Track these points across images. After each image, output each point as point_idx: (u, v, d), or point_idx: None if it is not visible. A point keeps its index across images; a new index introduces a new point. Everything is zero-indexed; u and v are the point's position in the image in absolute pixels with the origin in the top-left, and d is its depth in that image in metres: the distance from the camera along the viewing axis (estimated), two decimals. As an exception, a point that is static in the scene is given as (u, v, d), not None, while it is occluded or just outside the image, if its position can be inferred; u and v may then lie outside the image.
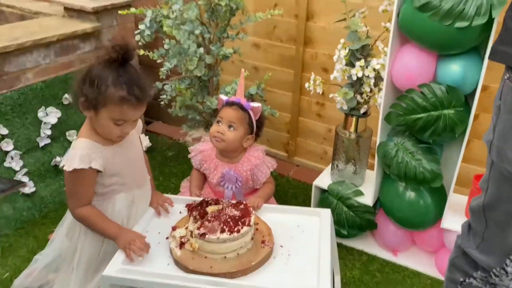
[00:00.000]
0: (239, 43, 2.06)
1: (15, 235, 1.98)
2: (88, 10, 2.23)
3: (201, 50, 1.84)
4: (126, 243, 1.33)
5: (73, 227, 1.45)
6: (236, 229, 1.35)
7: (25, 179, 2.09)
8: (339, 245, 1.84)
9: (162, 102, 2.03)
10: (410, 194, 1.66)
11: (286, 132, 2.53)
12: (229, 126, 1.65)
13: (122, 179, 1.41)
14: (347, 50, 1.58)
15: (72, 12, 2.36)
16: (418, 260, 1.81)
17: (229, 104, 1.69)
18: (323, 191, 1.91)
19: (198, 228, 1.37)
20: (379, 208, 1.85)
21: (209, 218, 1.41)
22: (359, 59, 1.57)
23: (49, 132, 2.15)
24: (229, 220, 1.39)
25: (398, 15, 1.41)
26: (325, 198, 1.85)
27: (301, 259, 1.39)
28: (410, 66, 1.45)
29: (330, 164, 1.98)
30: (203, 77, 1.96)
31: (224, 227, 1.36)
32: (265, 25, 2.31)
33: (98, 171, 1.34)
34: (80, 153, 1.30)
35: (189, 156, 1.82)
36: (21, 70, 2.03)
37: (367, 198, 1.79)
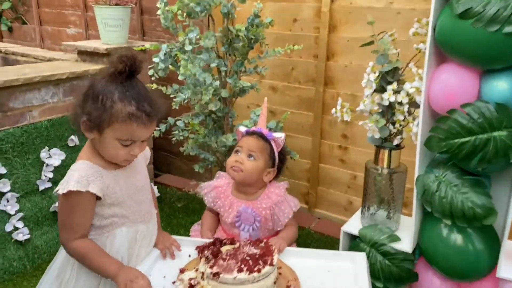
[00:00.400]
0: (256, 80, 1.97)
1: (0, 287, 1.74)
2: (101, 51, 2.18)
3: (217, 83, 1.72)
4: (127, 281, 1.11)
5: (64, 266, 1.24)
6: (256, 268, 1.13)
7: (20, 224, 1.89)
8: (373, 303, 1.57)
9: (174, 139, 1.89)
10: (457, 238, 1.42)
11: (306, 181, 2.34)
12: (249, 156, 1.49)
13: (123, 210, 1.22)
14: (376, 74, 1.45)
15: (86, 56, 2.32)
16: (469, 321, 1.51)
17: (250, 133, 1.54)
18: (352, 238, 1.68)
19: (211, 267, 1.15)
20: (419, 257, 1.60)
21: (223, 257, 1.19)
22: (390, 83, 1.43)
23: (50, 175, 2.00)
24: (247, 258, 1.17)
25: (434, 28, 1.29)
26: (356, 246, 1.61)
27: (336, 308, 1.15)
28: (450, 84, 1.30)
29: (360, 209, 1.77)
30: (217, 113, 1.83)
31: (242, 266, 1.14)
32: (282, 66, 2.23)
33: (97, 199, 1.16)
34: (77, 175, 1.13)
35: (202, 192, 1.63)
36: (27, 107, 1.93)
37: (405, 244, 1.55)
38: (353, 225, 1.69)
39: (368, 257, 1.55)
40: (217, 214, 1.63)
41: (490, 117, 1.24)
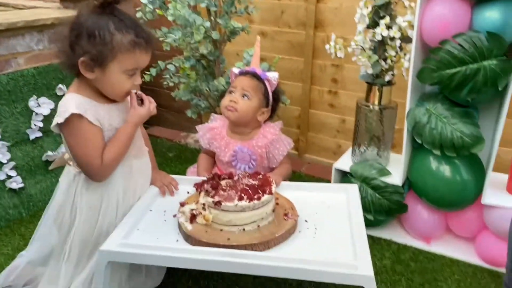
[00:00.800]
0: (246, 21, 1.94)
1: (-2, 233, 1.76)
2: (85, -3, 2.11)
3: (208, 24, 1.70)
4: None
5: (62, 210, 1.25)
6: (256, 196, 1.17)
7: (13, 173, 1.88)
8: (364, 235, 1.63)
9: (165, 83, 1.87)
10: (445, 169, 1.48)
11: (296, 128, 2.36)
12: (243, 95, 1.50)
13: None
14: (369, 9, 1.45)
15: (68, 2, 2.24)
16: (454, 248, 1.60)
17: (243, 73, 1.54)
18: (343, 175, 1.73)
19: (213, 197, 1.18)
20: (408, 191, 1.67)
21: (223, 187, 1.23)
22: (383, 18, 1.44)
23: (41, 125, 1.97)
24: (247, 188, 1.20)
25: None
26: (347, 181, 1.66)
27: (331, 233, 1.20)
28: (443, 15, 1.32)
29: (350, 148, 1.81)
30: (208, 56, 1.82)
31: (242, 195, 1.17)
32: (272, 10, 2.20)
33: None
34: (74, 102, 1.12)
35: (197, 135, 1.64)
36: (11, 53, 1.87)
37: (395, 178, 1.61)
38: (344, 162, 1.74)
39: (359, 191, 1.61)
40: (212, 156, 1.65)
41: (481, 47, 1.27)
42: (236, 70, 1.59)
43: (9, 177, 1.88)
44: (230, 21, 1.72)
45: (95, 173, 1.17)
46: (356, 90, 2.09)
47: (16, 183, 1.89)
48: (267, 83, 1.54)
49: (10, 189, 1.87)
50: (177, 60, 1.82)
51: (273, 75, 1.55)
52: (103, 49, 1.07)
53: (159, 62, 1.86)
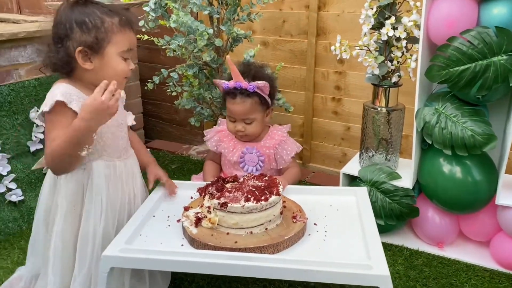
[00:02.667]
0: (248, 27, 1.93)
1: (-3, 246, 1.71)
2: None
3: (210, 31, 1.69)
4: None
5: (48, 208, 1.22)
6: (263, 197, 1.13)
7: (13, 186, 1.85)
8: (375, 242, 1.58)
9: (168, 91, 1.85)
10: (456, 170, 1.44)
11: (300, 137, 2.33)
12: (245, 122, 1.48)
13: (102, 141, 1.18)
14: (374, 9, 1.43)
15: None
16: (469, 252, 1.55)
17: (232, 95, 1.48)
18: (351, 180, 1.69)
19: (218, 198, 1.14)
20: (418, 195, 1.62)
21: (229, 189, 1.19)
22: (388, 18, 1.42)
23: (41, 136, 1.94)
24: (253, 189, 1.16)
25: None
26: (356, 186, 1.62)
27: (342, 235, 1.16)
28: (450, 12, 1.30)
29: (357, 154, 1.78)
30: (211, 64, 1.80)
31: (249, 196, 1.13)
32: (273, 20, 2.19)
33: None
34: (60, 91, 1.11)
35: (204, 139, 1.61)
36: (12, 64, 1.86)
37: (405, 181, 1.56)
38: (352, 167, 1.70)
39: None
40: (219, 162, 1.61)
41: (490, 42, 1.25)
42: (220, 81, 1.53)
43: (9, 189, 1.84)
44: (233, 28, 1.70)
45: (47, 153, 1.12)
46: (360, 97, 2.06)
47: (16, 196, 1.85)
48: (259, 91, 1.49)
49: (10, 202, 1.83)
50: (180, 68, 1.80)
51: (262, 84, 1.48)
52: (97, 34, 1.10)
53: (163, 70, 1.84)
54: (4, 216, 1.81)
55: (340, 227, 1.19)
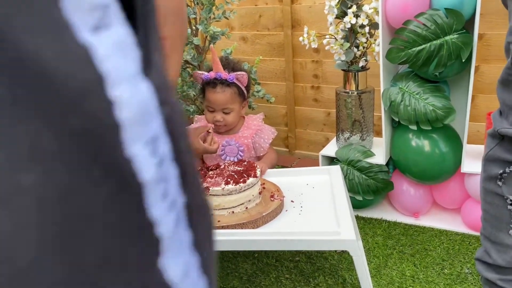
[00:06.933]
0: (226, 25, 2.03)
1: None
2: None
3: (188, 30, 1.79)
4: None
5: None
6: (241, 180, 1.24)
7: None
8: (356, 217, 1.70)
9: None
10: (424, 144, 1.56)
11: (284, 126, 2.44)
12: (224, 111, 1.57)
13: None
14: (336, 0, 1.54)
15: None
16: (442, 219, 1.67)
17: (212, 85, 1.56)
18: (329, 161, 1.80)
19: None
20: (394, 170, 1.74)
21: (211, 175, 1.30)
22: (350, 7, 1.53)
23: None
24: (233, 173, 1.28)
25: None
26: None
27: (316, 210, 1.27)
28: (404, -2, 1.41)
29: (335, 136, 1.89)
30: (192, 62, 1.90)
31: (229, 179, 1.24)
32: (250, 16, 2.30)
33: None
34: None
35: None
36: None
37: (379, 158, 1.68)
38: (330, 149, 1.81)
39: (346, 174, 1.68)
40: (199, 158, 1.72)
41: (441, 23, 1.36)
42: (200, 72, 1.60)
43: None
44: (209, 26, 1.80)
45: None
46: (337, 83, 2.17)
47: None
48: (237, 82, 1.58)
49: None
50: (162, 68, 1.90)
51: (241, 74, 1.56)
52: None
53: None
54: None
55: (314, 202, 1.31)
